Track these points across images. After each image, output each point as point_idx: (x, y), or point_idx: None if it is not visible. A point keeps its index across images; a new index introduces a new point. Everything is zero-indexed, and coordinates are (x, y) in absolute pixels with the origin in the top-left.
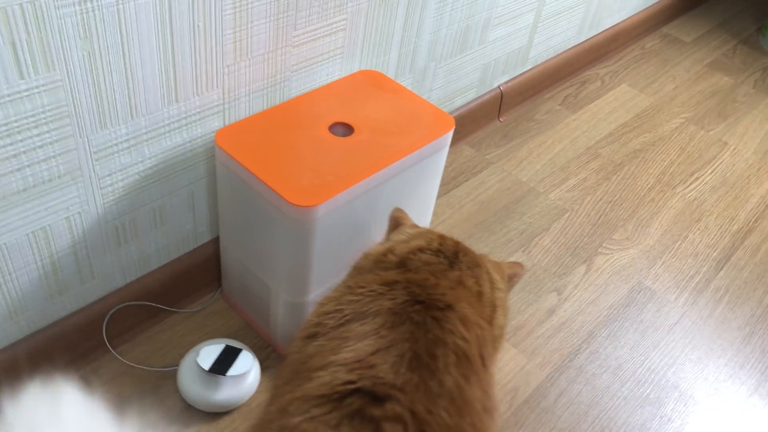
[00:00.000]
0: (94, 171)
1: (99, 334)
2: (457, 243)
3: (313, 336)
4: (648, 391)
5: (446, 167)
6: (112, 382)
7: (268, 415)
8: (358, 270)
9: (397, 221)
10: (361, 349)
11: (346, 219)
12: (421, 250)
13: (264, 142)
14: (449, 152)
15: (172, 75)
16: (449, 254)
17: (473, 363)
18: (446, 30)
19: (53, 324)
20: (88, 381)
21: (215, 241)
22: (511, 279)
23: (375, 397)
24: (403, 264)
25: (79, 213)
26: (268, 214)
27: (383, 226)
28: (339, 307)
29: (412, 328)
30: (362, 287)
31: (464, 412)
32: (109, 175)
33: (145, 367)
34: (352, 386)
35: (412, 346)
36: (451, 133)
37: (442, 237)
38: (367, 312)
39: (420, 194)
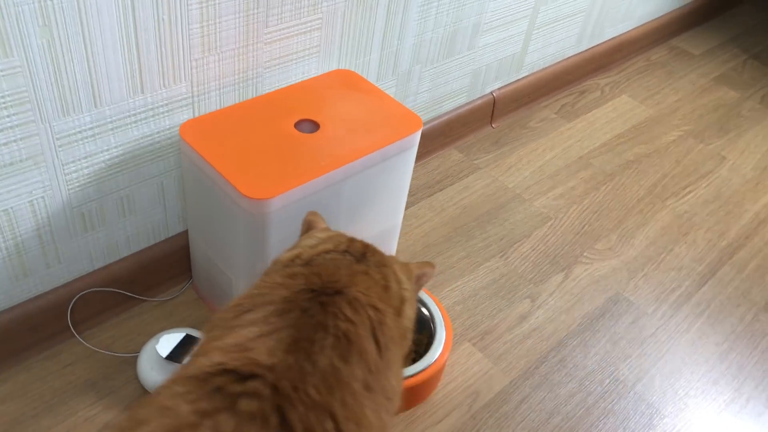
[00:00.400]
0: (57, 157)
1: (64, 317)
2: (366, 245)
3: (211, 329)
4: (614, 402)
5: (432, 170)
6: (74, 366)
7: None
8: (267, 275)
9: (309, 225)
10: (243, 335)
11: (303, 214)
12: (327, 252)
13: (228, 136)
14: (436, 156)
15: (137, 66)
16: (356, 254)
17: (356, 343)
18: (431, 34)
19: (18, 305)
20: (50, 363)
21: (187, 233)
22: (420, 279)
23: (241, 376)
24: (308, 264)
25: (42, 197)
26: (226, 206)
27: (346, 222)
28: (240, 302)
29: (299, 314)
30: (266, 282)
31: (336, 389)
32: (74, 161)
33: (108, 353)
34: (221, 367)
35: (294, 332)
36: (418, 134)
37: (351, 240)
38: (262, 302)
39: (387, 193)
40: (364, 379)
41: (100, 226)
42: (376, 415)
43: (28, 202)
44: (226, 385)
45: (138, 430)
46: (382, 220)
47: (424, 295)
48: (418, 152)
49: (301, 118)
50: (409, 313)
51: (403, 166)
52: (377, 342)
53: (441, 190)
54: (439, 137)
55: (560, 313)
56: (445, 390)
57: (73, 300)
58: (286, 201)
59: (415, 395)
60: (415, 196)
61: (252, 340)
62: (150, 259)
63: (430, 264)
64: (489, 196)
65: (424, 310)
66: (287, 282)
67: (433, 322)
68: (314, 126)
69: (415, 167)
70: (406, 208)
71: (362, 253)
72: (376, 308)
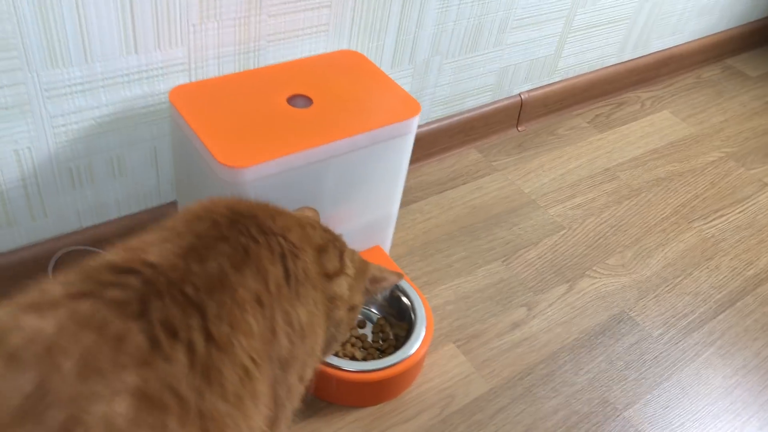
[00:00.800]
0: (45, 108)
1: (45, 272)
2: (326, 228)
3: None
4: (598, 425)
5: (447, 168)
6: None
7: None
8: None
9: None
10: (146, 239)
11: (284, 188)
12: None
13: (217, 104)
14: (454, 154)
15: (131, 24)
16: (305, 220)
17: (255, 259)
18: (453, 25)
19: (0, 254)
20: None
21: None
22: (377, 282)
23: (121, 270)
24: None
25: (29, 148)
26: (206, 174)
27: (332, 204)
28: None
29: (207, 226)
30: (201, 201)
31: (216, 291)
32: (62, 115)
33: None
34: (107, 262)
35: (195, 240)
36: (415, 120)
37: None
38: (183, 214)
39: (379, 180)
40: (257, 291)
41: (89, 184)
42: (264, 329)
43: (14, 150)
44: (104, 276)
45: (9, 305)
46: (374, 208)
47: (408, 287)
48: (434, 148)
49: (295, 94)
50: (344, 287)
51: (397, 153)
52: (286, 269)
53: (453, 188)
54: (458, 134)
55: (557, 325)
56: (420, 389)
57: (57, 255)
58: (264, 172)
59: (385, 390)
60: (424, 191)
61: (151, 244)
62: (140, 224)
63: (396, 274)
64: (502, 199)
65: (404, 299)
66: (215, 202)
67: (414, 315)
68: (307, 102)
69: (429, 163)
70: (412, 202)
71: (312, 223)
72: (290, 242)
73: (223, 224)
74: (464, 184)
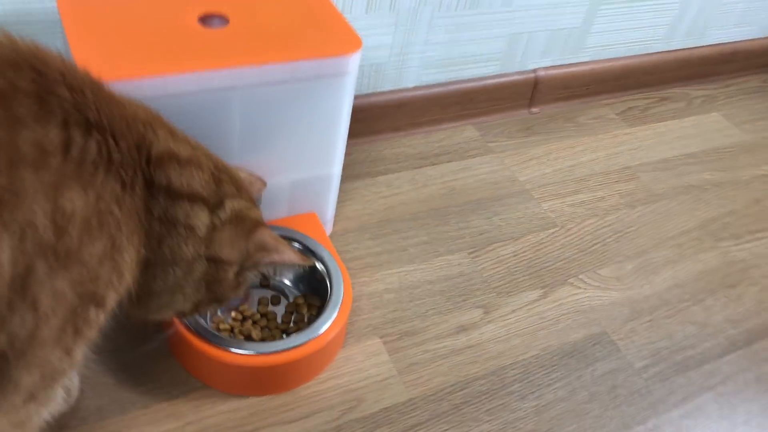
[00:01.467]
0: None
1: None
2: (222, 166)
3: None
4: None
5: (433, 142)
6: None
7: None
8: None
9: None
10: None
11: (172, 118)
12: None
13: (112, 15)
14: (446, 128)
15: None
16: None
17: (5, 103)
18: None
19: None
20: None
21: None
22: (266, 251)
23: None
24: None
25: None
26: None
27: (243, 149)
28: None
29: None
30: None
31: None
32: None
33: None
34: None
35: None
36: (353, 58)
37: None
38: None
39: (308, 128)
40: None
41: None
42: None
43: None
44: None
45: None
46: (305, 166)
47: (329, 258)
48: (422, 118)
49: (212, 12)
50: (198, 220)
51: (331, 97)
52: (68, 140)
53: (434, 165)
54: (453, 106)
55: (515, 336)
56: (322, 385)
57: None
58: (140, 93)
59: (271, 379)
60: (398, 164)
61: None
62: None
63: (301, 257)
64: (489, 184)
65: (320, 266)
66: (35, 44)
67: (330, 293)
68: (223, 22)
69: (414, 134)
70: (380, 174)
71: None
72: (86, 118)
73: (4, 60)
74: (449, 162)
